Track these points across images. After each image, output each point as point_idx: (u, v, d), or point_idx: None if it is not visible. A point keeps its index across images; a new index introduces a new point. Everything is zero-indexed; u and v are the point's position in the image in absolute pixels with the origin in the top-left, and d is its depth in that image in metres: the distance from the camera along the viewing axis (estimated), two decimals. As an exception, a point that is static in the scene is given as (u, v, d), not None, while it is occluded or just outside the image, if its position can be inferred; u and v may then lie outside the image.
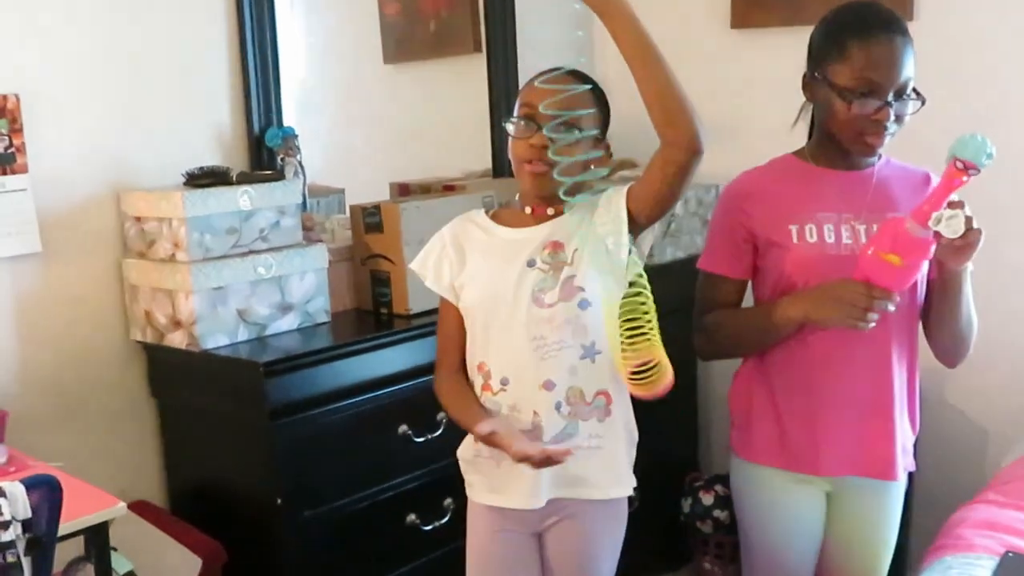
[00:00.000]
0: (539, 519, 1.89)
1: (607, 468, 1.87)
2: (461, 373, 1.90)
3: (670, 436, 3.15)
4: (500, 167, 3.23)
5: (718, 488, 3.07)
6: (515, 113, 1.83)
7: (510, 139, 1.84)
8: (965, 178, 1.65)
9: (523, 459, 1.69)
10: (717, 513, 3.02)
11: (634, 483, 1.94)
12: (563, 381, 1.79)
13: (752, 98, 3.13)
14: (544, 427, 1.80)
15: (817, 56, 1.85)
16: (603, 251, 1.76)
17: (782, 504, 1.97)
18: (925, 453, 2.98)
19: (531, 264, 1.80)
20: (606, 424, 1.84)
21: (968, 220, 1.68)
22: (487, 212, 1.94)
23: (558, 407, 1.80)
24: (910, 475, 2.91)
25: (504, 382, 1.82)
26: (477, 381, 1.86)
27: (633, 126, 3.54)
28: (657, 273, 2.95)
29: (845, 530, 2.00)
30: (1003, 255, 2.79)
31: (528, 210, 1.86)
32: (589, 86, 1.84)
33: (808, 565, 2.01)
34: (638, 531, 2.98)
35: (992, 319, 2.79)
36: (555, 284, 1.78)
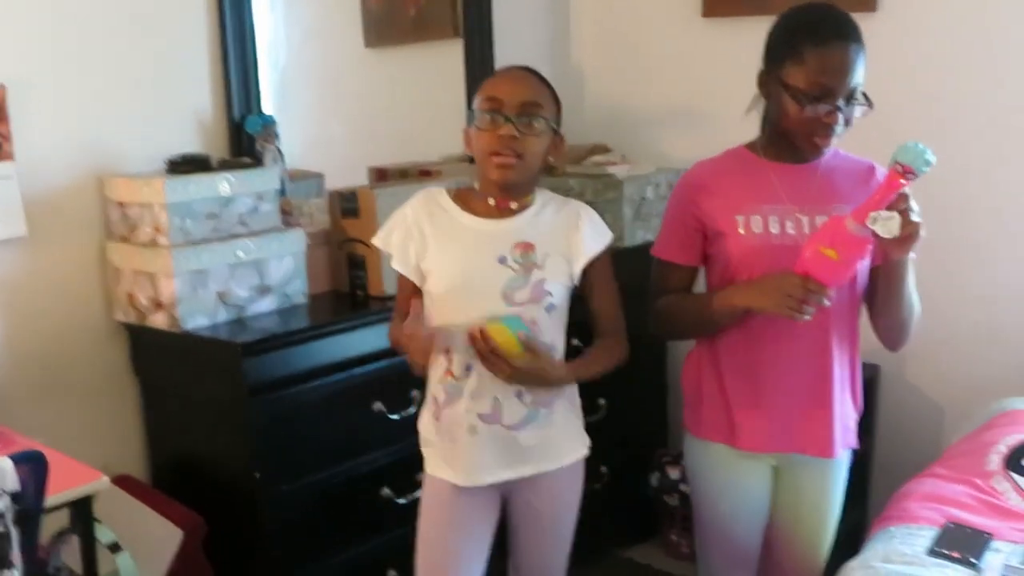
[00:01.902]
0: (501, 493, 2.01)
1: (562, 440, 1.99)
2: None
3: (639, 414, 3.25)
4: (476, 152, 3.30)
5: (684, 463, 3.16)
6: (478, 107, 1.89)
7: (473, 131, 1.90)
8: (903, 181, 1.73)
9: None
10: (683, 487, 3.11)
11: (588, 443, 2.05)
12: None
13: (722, 85, 3.18)
14: (504, 412, 1.90)
15: (773, 56, 1.91)
16: (565, 262, 1.89)
17: (730, 479, 2.07)
18: (883, 430, 3.10)
19: (502, 261, 1.87)
20: (555, 405, 1.96)
21: (907, 218, 1.75)
22: (449, 193, 1.98)
23: (519, 395, 1.90)
24: (868, 451, 3.03)
25: (467, 368, 1.90)
26: (441, 364, 1.94)
27: (607, 112, 3.65)
28: (627, 255, 3.08)
29: (790, 504, 2.09)
30: (961, 239, 2.89)
31: (492, 201, 1.92)
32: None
33: (755, 537, 2.11)
34: (608, 505, 3.11)
35: (948, 301, 2.90)
36: (525, 284, 1.87)
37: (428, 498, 2.03)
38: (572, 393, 2.03)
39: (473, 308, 1.86)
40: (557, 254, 1.90)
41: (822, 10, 1.91)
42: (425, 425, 2.01)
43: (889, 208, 1.74)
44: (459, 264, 1.90)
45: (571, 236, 1.93)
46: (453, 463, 1.95)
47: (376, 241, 2.01)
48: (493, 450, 1.92)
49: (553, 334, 1.92)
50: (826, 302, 1.82)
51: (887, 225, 1.73)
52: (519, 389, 1.90)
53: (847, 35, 1.84)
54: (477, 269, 1.88)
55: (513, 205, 1.92)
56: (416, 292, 1.96)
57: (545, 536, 2.04)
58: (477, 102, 1.90)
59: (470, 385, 1.90)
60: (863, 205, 1.77)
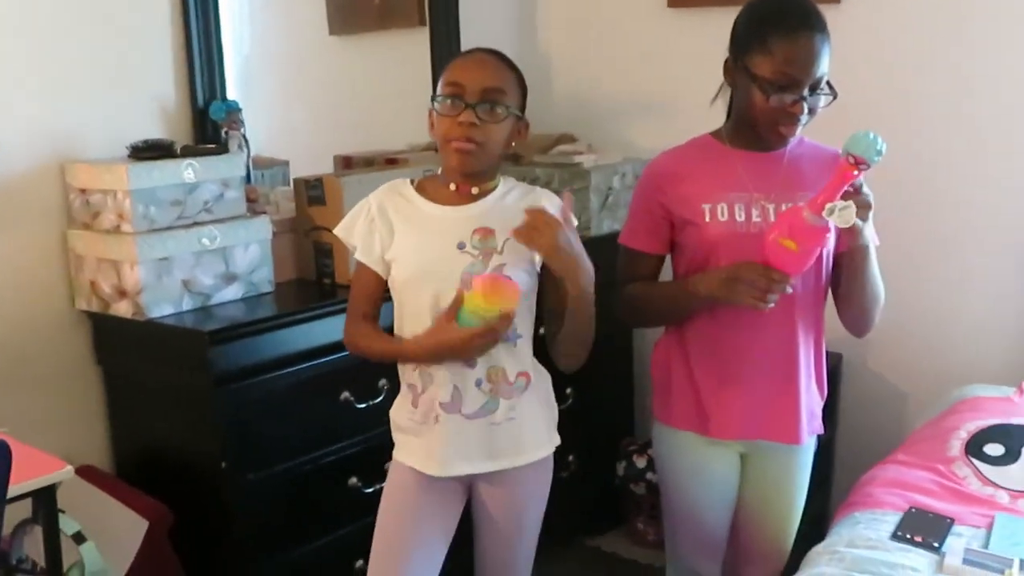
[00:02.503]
0: (466, 487, 2.00)
1: (530, 436, 1.97)
2: (373, 321, 1.96)
3: (606, 403, 3.27)
4: (443, 140, 3.29)
5: (651, 452, 3.17)
6: (440, 91, 1.86)
7: (434, 116, 1.88)
8: (856, 172, 1.74)
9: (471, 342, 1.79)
10: (650, 476, 3.14)
11: (557, 441, 2.03)
12: (484, 360, 1.87)
13: (688, 75, 3.20)
14: (464, 400, 1.88)
15: (739, 45, 1.92)
16: (526, 249, 1.85)
17: (698, 466, 2.08)
18: (847, 417, 3.14)
19: (461, 247, 1.86)
20: (524, 399, 1.94)
21: (862, 204, 1.78)
22: (412, 182, 1.97)
23: (478, 383, 1.89)
24: (832, 438, 3.07)
25: None
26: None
27: (573, 102, 3.65)
28: (595, 244, 3.07)
29: (757, 489, 2.11)
30: (924, 228, 2.93)
31: (452, 187, 1.91)
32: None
33: (723, 523, 2.13)
34: (575, 494, 3.12)
35: (911, 291, 2.94)
36: (484, 270, 1.85)
37: (392, 485, 2.01)
38: (546, 388, 2.01)
39: (433, 294, 1.85)
40: (517, 242, 1.86)
41: (789, 0, 1.91)
42: (399, 412, 2.00)
43: (844, 198, 1.76)
44: (419, 251, 1.88)
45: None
46: (422, 451, 1.94)
47: (339, 232, 1.98)
48: (457, 442, 1.91)
49: (517, 321, 1.89)
50: (788, 290, 1.84)
51: (843, 215, 1.75)
52: (479, 378, 1.88)
53: (813, 25, 1.85)
54: (436, 256, 1.87)
55: (474, 190, 1.90)
56: (378, 287, 1.94)
57: (509, 533, 2.03)
58: (440, 85, 1.87)
59: (433, 372, 1.89)
60: (818, 195, 1.79)
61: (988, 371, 2.81)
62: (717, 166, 1.98)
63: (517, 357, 1.92)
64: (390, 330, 1.96)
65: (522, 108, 1.92)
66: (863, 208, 1.80)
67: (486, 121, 1.83)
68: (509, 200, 1.93)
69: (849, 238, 1.86)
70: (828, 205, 1.75)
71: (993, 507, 2.06)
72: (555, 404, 2.05)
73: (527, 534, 2.06)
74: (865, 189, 1.81)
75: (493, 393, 1.90)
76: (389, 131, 3.23)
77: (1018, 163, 2.79)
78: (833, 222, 1.76)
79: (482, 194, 1.91)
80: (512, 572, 2.07)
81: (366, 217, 1.93)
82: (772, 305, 1.85)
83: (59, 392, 2.49)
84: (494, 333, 1.79)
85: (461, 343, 1.79)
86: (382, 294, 1.96)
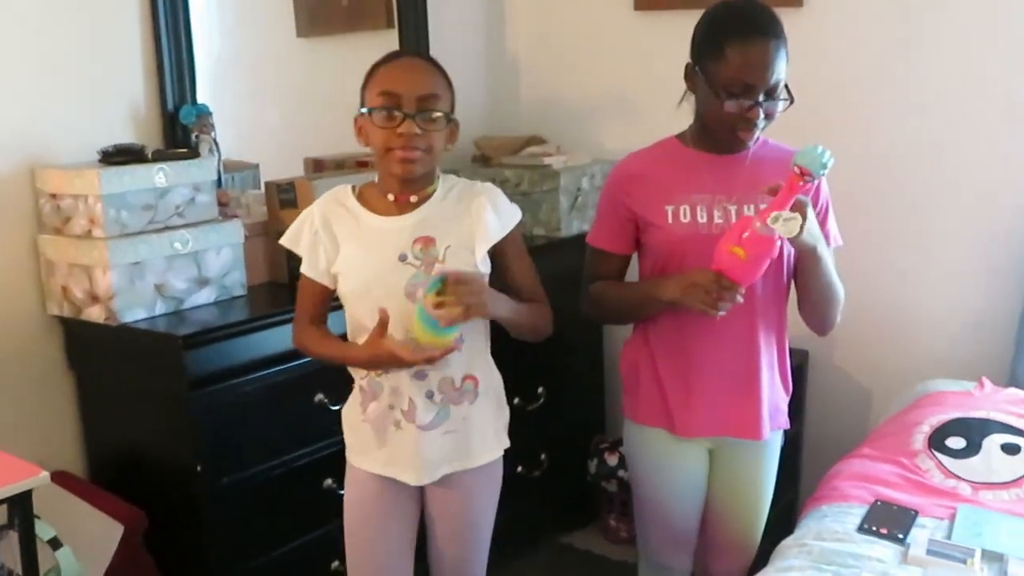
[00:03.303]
0: (419, 489, 2.01)
1: (479, 441, 1.99)
2: (322, 327, 1.99)
3: (578, 402, 3.30)
4: (413, 143, 3.30)
5: (622, 449, 3.21)
6: (372, 103, 1.83)
7: (368, 124, 1.84)
8: (801, 183, 1.78)
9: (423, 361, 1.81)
10: (621, 473, 3.17)
11: (506, 444, 2.05)
12: (434, 371, 1.89)
13: (654, 77, 3.23)
14: (418, 412, 1.91)
15: (698, 51, 1.95)
16: (468, 252, 1.87)
17: (667, 462, 2.12)
18: (814, 413, 3.19)
19: (403, 259, 1.85)
20: (476, 405, 1.96)
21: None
22: (354, 190, 1.95)
23: (430, 395, 1.91)
24: (799, 433, 3.12)
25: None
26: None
27: (542, 104, 3.68)
28: (564, 245, 3.12)
29: (725, 484, 2.16)
30: (884, 227, 2.99)
31: (391, 197, 1.90)
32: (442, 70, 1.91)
33: (693, 518, 2.17)
34: (547, 492, 3.15)
35: (875, 289, 3.00)
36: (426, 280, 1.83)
37: (356, 492, 2.02)
38: (497, 391, 2.03)
39: (377, 306, 1.83)
40: (459, 246, 1.87)
41: (745, 6, 1.94)
42: (353, 412, 2.00)
43: (792, 209, 1.79)
44: (362, 266, 1.88)
45: (473, 225, 1.90)
46: (384, 458, 1.96)
47: (285, 242, 1.97)
48: (418, 451, 1.93)
49: (466, 327, 1.87)
50: (739, 299, 1.87)
51: (788, 225, 1.79)
52: (430, 389, 1.90)
53: (768, 31, 1.87)
54: (379, 270, 1.86)
55: (413, 199, 1.89)
56: (324, 296, 1.96)
57: (462, 535, 2.04)
58: (371, 95, 1.84)
59: (390, 381, 1.91)
60: (767, 208, 1.82)
61: (950, 366, 2.88)
62: (680, 168, 2.01)
63: (463, 361, 1.93)
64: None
65: (452, 109, 1.91)
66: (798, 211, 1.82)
67: (426, 129, 1.82)
68: (449, 201, 1.93)
69: (796, 244, 1.89)
70: (773, 214, 1.79)
71: (955, 499, 2.11)
72: (506, 407, 2.06)
73: (479, 535, 2.07)
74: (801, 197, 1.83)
75: (444, 402, 1.92)
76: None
77: (977, 161, 2.85)
78: (778, 231, 1.79)
79: (421, 201, 1.90)
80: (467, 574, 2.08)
81: (310, 229, 1.93)
82: (723, 313, 1.88)
83: (32, 398, 2.47)
84: (427, 359, 1.81)
85: (389, 358, 1.81)
86: (329, 303, 1.98)
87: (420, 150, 1.83)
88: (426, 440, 1.92)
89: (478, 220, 1.90)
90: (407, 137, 1.81)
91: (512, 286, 1.97)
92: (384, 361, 1.83)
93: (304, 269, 1.94)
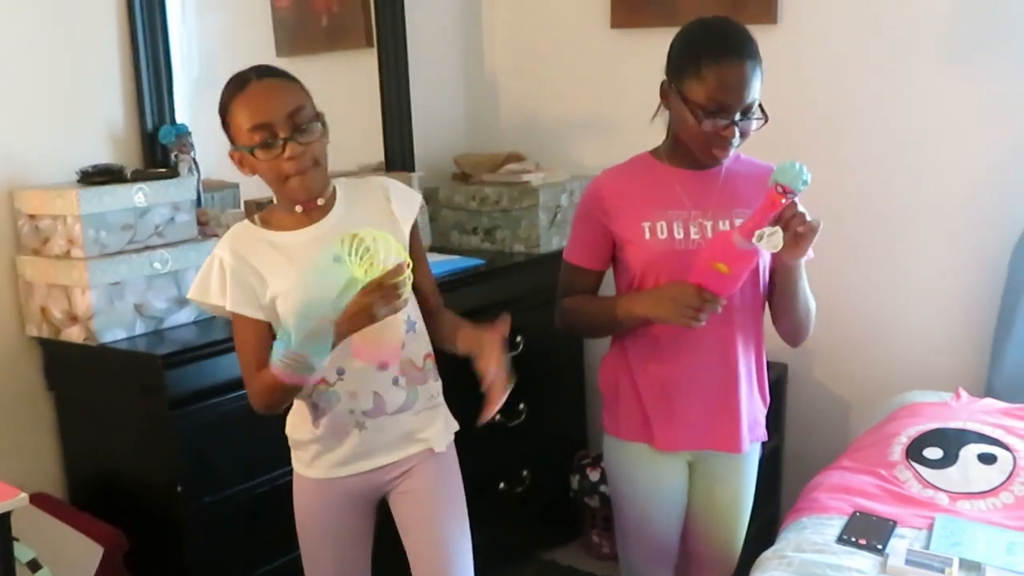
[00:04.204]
0: (383, 483, 1.99)
1: (444, 421, 2.02)
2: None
3: (560, 417, 3.31)
4: (392, 160, 3.32)
5: (604, 464, 3.23)
6: (246, 141, 1.79)
7: (246, 160, 1.82)
8: (784, 200, 1.81)
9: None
10: (604, 488, 3.17)
11: (456, 426, 2.07)
12: (394, 357, 1.90)
13: (631, 94, 3.25)
14: (387, 402, 1.91)
15: (674, 69, 1.96)
16: (393, 234, 1.85)
17: (647, 476, 2.13)
18: (794, 426, 3.21)
19: (337, 259, 1.79)
20: (438, 382, 2.00)
21: (803, 222, 1.83)
22: (255, 221, 1.91)
23: (395, 381, 1.91)
24: (779, 446, 3.14)
25: (340, 372, 1.88)
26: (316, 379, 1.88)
27: (521, 121, 3.70)
28: (543, 261, 3.13)
29: (705, 497, 2.17)
30: (859, 241, 3.02)
31: (299, 209, 1.87)
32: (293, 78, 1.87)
33: (674, 532, 2.18)
34: (530, 508, 3.15)
35: (850, 302, 3.03)
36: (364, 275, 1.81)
37: (304, 498, 2.03)
38: (438, 384, 2.03)
39: (328, 314, 1.78)
40: (382, 227, 1.83)
41: (721, 26, 1.96)
42: (299, 430, 1.98)
43: (772, 224, 1.82)
44: (297, 282, 1.82)
45: (387, 209, 1.92)
46: (336, 458, 1.95)
47: (193, 295, 1.90)
48: (378, 439, 1.93)
49: (410, 308, 1.89)
50: (719, 309, 1.90)
51: (771, 240, 1.81)
52: (395, 375, 1.91)
53: (744, 52, 1.89)
54: (318, 278, 1.81)
55: (320, 202, 1.89)
56: (265, 333, 1.85)
57: (437, 513, 2.00)
58: (240, 133, 1.80)
59: (346, 387, 1.89)
60: (748, 222, 1.85)
61: (927, 378, 2.90)
62: (656, 184, 2.03)
63: (419, 341, 1.96)
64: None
65: (315, 106, 1.86)
66: (809, 233, 1.85)
67: (308, 142, 1.81)
68: (356, 198, 1.93)
69: (787, 257, 1.91)
70: (757, 232, 1.81)
71: (933, 509, 2.13)
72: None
73: (454, 512, 2.03)
74: (808, 216, 1.85)
75: (410, 384, 1.94)
76: (338, 152, 3.17)
77: (952, 174, 2.89)
78: (762, 247, 1.82)
79: (329, 203, 1.90)
80: (451, 558, 2.01)
81: (219, 273, 1.86)
82: (702, 324, 1.90)
83: (11, 419, 2.46)
84: (383, 287, 1.71)
85: (356, 309, 1.71)
86: (271, 339, 1.84)
87: (311, 166, 1.82)
88: (396, 422, 1.93)
89: (389, 205, 1.93)
90: (297, 159, 1.79)
91: (417, 286, 1.90)
92: (348, 323, 1.74)
93: (234, 308, 1.85)
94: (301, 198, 1.86)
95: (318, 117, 1.86)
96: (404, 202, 1.97)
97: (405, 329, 1.92)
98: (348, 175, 3.03)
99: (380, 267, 1.73)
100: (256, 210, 2.58)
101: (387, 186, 1.97)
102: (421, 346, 1.96)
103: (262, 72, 1.83)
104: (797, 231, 1.83)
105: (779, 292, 2.04)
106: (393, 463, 1.97)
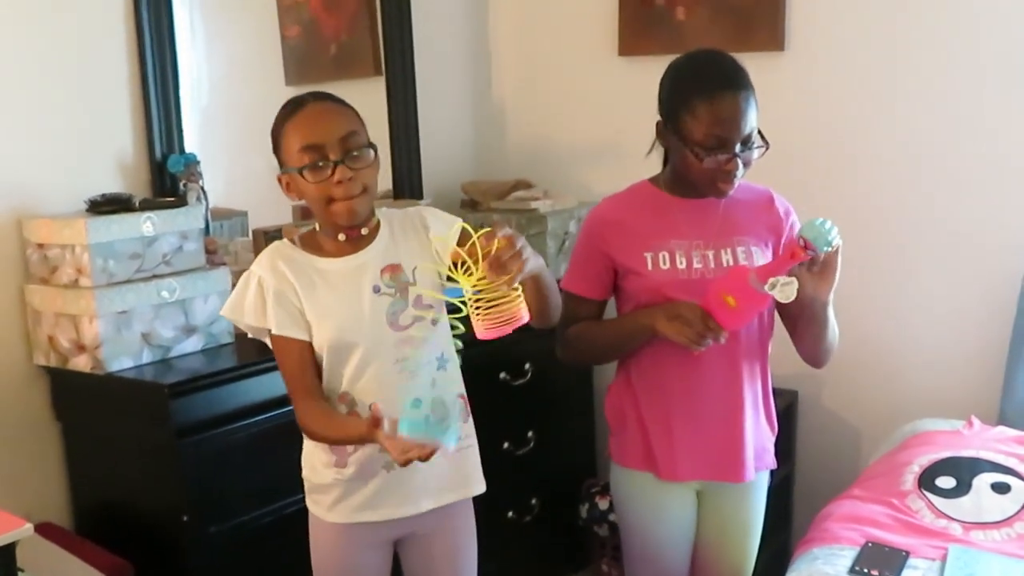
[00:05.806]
0: (409, 524, 1.96)
1: (476, 464, 1.99)
2: (321, 398, 1.86)
3: (568, 445, 3.29)
4: (400, 188, 3.33)
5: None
6: (297, 161, 1.78)
7: (294, 182, 1.81)
8: (805, 255, 1.81)
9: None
10: (613, 517, 3.13)
11: (483, 487, 2.04)
12: (427, 395, 1.88)
13: (638, 121, 3.24)
14: None
15: (667, 108, 1.96)
16: (433, 268, 1.86)
17: (655, 506, 2.11)
18: (805, 454, 3.19)
19: (376, 291, 1.83)
20: (470, 423, 1.97)
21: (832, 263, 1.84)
22: (295, 242, 1.90)
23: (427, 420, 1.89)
24: (790, 475, 3.11)
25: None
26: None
27: (529, 148, 3.71)
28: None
29: (714, 527, 2.15)
30: (871, 268, 3.01)
31: (342, 237, 1.86)
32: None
33: (683, 562, 2.16)
34: (538, 537, 3.13)
35: (863, 330, 3.01)
36: (406, 305, 1.84)
37: (323, 546, 1.99)
38: (468, 425, 2.00)
39: (363, 345, 1.82)
40: (423, 265, 1.86)
41: (708, 60, 1.95)
42: (320, 472, 1.94)
43: (790, 274, 1.82)
44: (337, 308, 1.83)
45: (425, 239, 1.90)
46: (364, 500, 1.92)
47: (226, 312, 1.88)
48: (413, 480, 1.90)
49: (441, 343, 1.89)
50: (722, 341, 1.88)
51: (784, 290, 1.81)
52: (426, 414, 1.88)
53: (735, 83, 1.88)
54: (356, 308, 1.83)
55: (364, 231, 1.88)
56: (310, 354, 1.85)
57: (448, 568, 2.01)
58: (290, 154, 1.80)
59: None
60: (766, 267, 1.84)
61: (939, 405, 2.88)
62: (656, 214, 2.02)
63: (450, 380, 1.93)
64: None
65: (368, 135, 1.86)
66: (827, 282, 1.86)
67: (358, 168, 1.79)
68: (396, 228, 1.92)
69: (818, 293, 1.91)
70: (771, 280, 1.81)
71: (947, 539, 2.11)
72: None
73: (466, 563, 2.03)
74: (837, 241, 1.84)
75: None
76: (347, 180, 3.24)
77: (963, 201, 2.88)
78: (774, 295, 1.81)
79: (372, 233, 1.89)
80: None
81: (257, 292, 1.84)
82: (703, 349, 1.89)
83: (17, 449, 2.46)
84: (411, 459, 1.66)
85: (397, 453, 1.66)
86: (315, 359, 1.86)
87: (359, 192, 1.80)
88: (421, 468, 1.83)
89: (427, 234, 1.91)
90: (345, 184, 1.78)
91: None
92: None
93: (277, 330, 1.83)
94: (344, 223, 1.83)
95: (371, 145, 1.84)
96: (443, 227, 1.91)
97: (436, 367, 1.89)
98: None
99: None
100: (266, 239, 2.61)
101: (425, 216, 1.94)
102: (452, 385, 1.93)
103: (318, 96, 1.84)
104: (814, 271, 1.84)
105: (807, 319, 2.02)
106: (418, 515, 1.93)
